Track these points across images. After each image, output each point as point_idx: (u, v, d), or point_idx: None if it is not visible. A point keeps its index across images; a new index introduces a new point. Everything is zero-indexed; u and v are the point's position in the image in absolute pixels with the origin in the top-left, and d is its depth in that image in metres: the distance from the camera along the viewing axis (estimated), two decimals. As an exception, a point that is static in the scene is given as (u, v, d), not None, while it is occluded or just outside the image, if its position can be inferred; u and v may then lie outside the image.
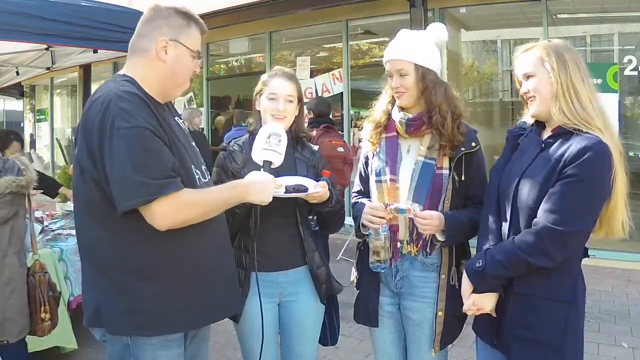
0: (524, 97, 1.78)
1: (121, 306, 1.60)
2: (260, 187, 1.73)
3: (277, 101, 2.09)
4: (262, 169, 1.81)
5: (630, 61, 5.84)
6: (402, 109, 2.05)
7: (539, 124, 1.82)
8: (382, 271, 2.01)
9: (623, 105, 6.23)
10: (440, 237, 1.93)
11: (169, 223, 1.55)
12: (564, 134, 1.67)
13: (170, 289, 1.63)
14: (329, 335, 2.27)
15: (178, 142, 1.68)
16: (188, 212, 1.59)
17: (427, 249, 1.98)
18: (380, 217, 1.93)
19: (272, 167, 1.83)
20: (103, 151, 1.52)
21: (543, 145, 1.72)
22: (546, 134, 1.76)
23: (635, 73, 5.86)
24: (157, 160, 1.54)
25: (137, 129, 1.52)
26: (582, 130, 1.63)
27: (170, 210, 1.54)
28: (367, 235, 2.01)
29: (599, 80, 5.31)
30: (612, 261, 5.50)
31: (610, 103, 5.18)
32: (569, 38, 6.69)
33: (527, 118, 1.87)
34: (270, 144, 1.83)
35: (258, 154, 1.85)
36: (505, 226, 1.74)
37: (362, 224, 2.01)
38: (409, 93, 1.98)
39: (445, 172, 1.97)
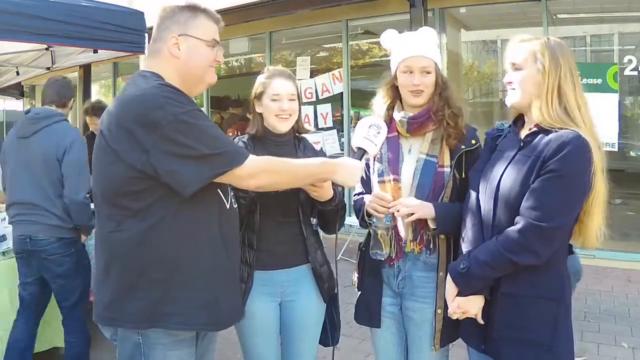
0: (506, 84, 1.77)
1: (137, 302, 1.57)
2: (349, 171, 1.79)
3: (281, 101, 2.09)
4: (354, 155, 1.86)
5: (630, 61, 5.82)
6: (402, 108, 2.04)
7: (517, 123, 1.82)
8: (382, 259, 1.99)
9: (623, 105, 6.22)
10: (432, 225, 1.93)
11: (260, 182, 1.64)
12: (542, 131, 1.66)
13: (189, 285, 1.60)
14: (329, 335, 2.26)
15: None
16: (276, 175, 1.68)
17: (431, 246, 1.97)
18: (386, 207, 1.93)
19: (365, 156, 1.89)
20: (156, 141, 1.51)
21: (522, 143, 1.72)
22: (524, 132, 1.76)
23: (635, 73, 5.85)
24: (222, 133, 1.62)
25: (193, 111, 1.57)
26: (561, 128, 1.62)
27: (260, 169, 1.62)
28: (370, 223, 2.01)
29: (599, 80, 5.30)
30: (612, 261, 5.49)
31: (610, 103, 5.18)
32: (569, 38, 6.69)
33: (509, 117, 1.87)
34: (369, 134, 1.88)
35: (356, 141, 1.90)
36: (488, 226, 1.73)
37: (366, 212, 2.00)
38: (427, 92, 1.97)
39: (447, 169, 1.97)
